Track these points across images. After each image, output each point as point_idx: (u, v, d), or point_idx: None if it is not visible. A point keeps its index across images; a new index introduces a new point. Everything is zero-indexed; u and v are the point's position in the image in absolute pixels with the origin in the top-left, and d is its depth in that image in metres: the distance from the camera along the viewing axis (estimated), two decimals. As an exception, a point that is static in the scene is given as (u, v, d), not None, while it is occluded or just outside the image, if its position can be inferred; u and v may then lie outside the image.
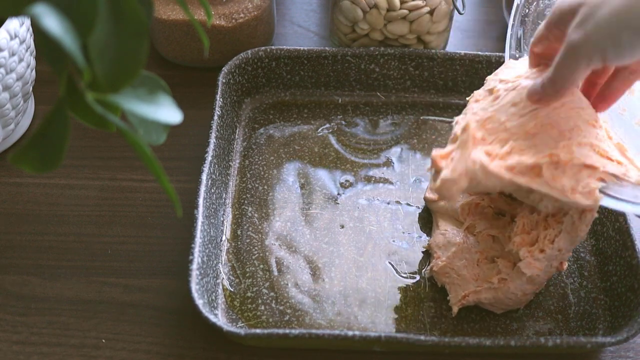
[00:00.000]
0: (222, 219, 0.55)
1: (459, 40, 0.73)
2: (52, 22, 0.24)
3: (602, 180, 0.43)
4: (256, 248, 0.54)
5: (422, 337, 0.45)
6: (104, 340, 0.49)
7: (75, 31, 0.25)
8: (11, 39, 0.53)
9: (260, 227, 0.55)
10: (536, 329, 0.50)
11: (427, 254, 0.54)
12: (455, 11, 0.65)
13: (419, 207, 0.57)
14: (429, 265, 0.52)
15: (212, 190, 0.54)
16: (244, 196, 0.57)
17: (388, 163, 0.60)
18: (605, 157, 0.44)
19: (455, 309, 0.49)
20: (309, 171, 0.60)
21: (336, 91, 0.66)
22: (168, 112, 0.30)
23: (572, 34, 0.40)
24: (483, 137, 0.44)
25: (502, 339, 0.45)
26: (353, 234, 0.55)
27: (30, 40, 0.57)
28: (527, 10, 0.52)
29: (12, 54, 0.54)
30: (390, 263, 0.53)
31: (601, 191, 0.43)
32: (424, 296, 0.51)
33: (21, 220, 0.56)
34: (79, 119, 0.29)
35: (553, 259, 0.47)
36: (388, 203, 0.57)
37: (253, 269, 0.53)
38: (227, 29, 0.65)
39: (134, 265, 0.54)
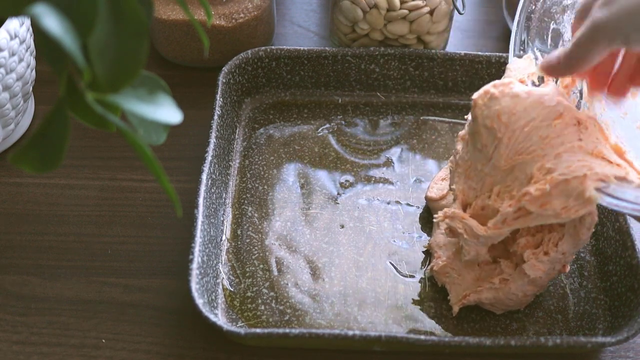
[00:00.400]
0: (222, 218, 0.55)
1: (459, 40, 0.73)
2: (52, 22, 0.24)
3: (602, 180, 0.43)
4: (256, 248, 0.54)
5: (422, 337, 0.45)
6: (104, 340, 0.49)
7: (75, 31, 0.25)
8: (11, 39, 0.53)
9: (260, 227, 0.55)
10: (536, 329, 0.50)
11: (427, 254, 0.54)
12: (455, 11, 0.65)
13: (419, 207, 0.57)
14: (429, 265, 0.52)
15: (212, 190, 0.54)
16: (244, 196, 0.57)
17: (388, 163, 0.60)
18: (598, 156, 0.44)
19: (455, 309, 0.49)
20: (309, 171, 0.60)
21: (336, 91, 0.66)
22: (168, 112, 0.30)
23: (596, 12, 0.40)
24: (468, 202, 0.48)
25: (502, 338, 0.45)
26: (353, 233, 0.55)
27: (30, 40, 0.57)
28: (533, 7, 0.51)
29: (12, 54, 0.54)
30: (390, 263, 0.53)
31: (601, 191, 0.43)
32: (424, 296, 0.51)
33: (21, 220, 0.56)
34: (79, 119, 0.29)
35: (556, 261, 0.47)
36: (388, 203, 0.57)
37: (253, 268, 0.53)
38: (227, 29, 0.65)
39: (134, 265, 0.54)
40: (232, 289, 0.51)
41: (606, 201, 0.42)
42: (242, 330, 0.45)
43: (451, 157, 0.57)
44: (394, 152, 0.61)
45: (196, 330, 0.50)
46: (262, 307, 0.50)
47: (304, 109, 0.65)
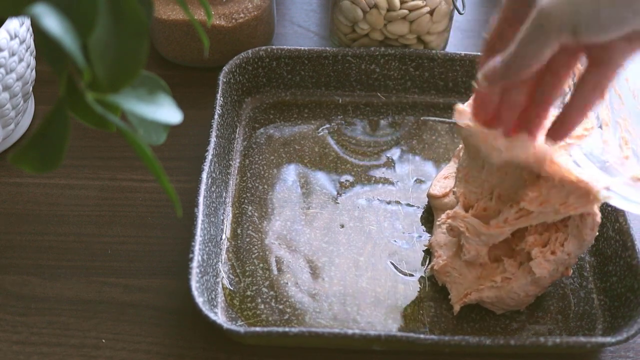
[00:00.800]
0: (222, 217, 0.55)
1: (459, 40, 0.73)
2: (52, 22, 0.24)
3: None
4: (256, 247, 0.54)
5: (422, 336, 0.45)
6: (104, 340, 0.49)
7: (75, 31, 0.25)
8: (11, 39, 0.53)
9: (260, 226, 0.55)
10: (536, 329, 0.50)
11: (427, 254, 0.54)
12: (455, 11, 0.65)
13: (419, 207, 0.57)
14: (429, 264, 0.53)
15: (213, 189, 0.54)
16: (244, 195, 0.57)
17: (388, 163, 0.60)
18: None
19: (456, 307, 0.49)
20: (309, 171, 0.60)
21: (337, 91, 0.66)
22: (168, 112, 0.30)
23: (541, 0, 0.36)
24: (470, 204, 0.49)
25: (502, 338, 0.45)
26: (353, 233, 0.55)
27: (30, 40, 0.57)
28: None
29: (12, 54, 0.54)
30: (390, 262, 0.53)
31: (611, 190, 0.43)
32: (424, 295, 0.51)
33: (21, 220, 0.56)
34: (79, 119, 0.29)
35: (561, 262, 0.47)
36: (388, 203, 0.57)
37: (253, 267, 0.53)
38: (227, 29, 0.65)
39: (134, 265, 0.54)
40: (231, 288, 0.51)
41: (615, 201, 0.43)
42: (241, 329, 0.45)
43: (453, 158, 0.58)
44: (394, 153, 0.61)
45: (196, 330, 0.50)
46: (262, 306, 0.50)
47: (304, 108, 0.65)
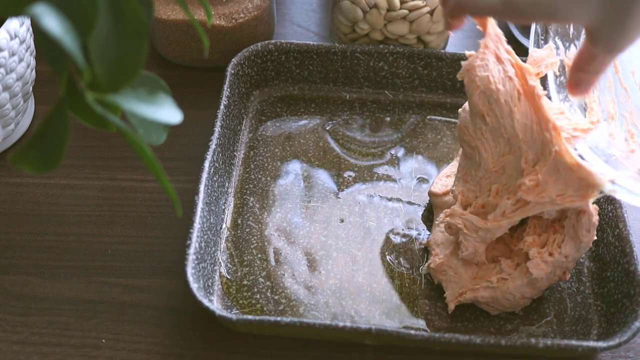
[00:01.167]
0: (223, 207, 0.55)
1: (459, 40, 0.73)
2: (52, 22, 0.24)
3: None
4: (255, 237, 0.54)
5: (413, 332, 0.45)
6: (104, 340, 0.49)
7: (75, 31, 0.25)
8: (11, 39, 0.53)
9: (260, 217, 0.56)
10: (530, 332, 0.50)
11: (425, 252, 0.54)
12: (455, 11, 0.65)
13: (420, 205, 0.57)
14: (426, 262, 0.53)
15: (215, 179, 0.54)
16: (247, 186, 0.58)
17: (392, 161, 0.61)
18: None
19: (451, 306, 0.49)
20: (312, 165, 0.60)
21: (344, 87, 0.66)
22: (168, 112, 0.30)
23: None
24: (469, 201, 0.49)
25: (493, 337, 0.45)
26: (352, 228, 0.55)
27: (30, 40, 0.57)
28: None
29: (12, 54, 0.54)
30: (387, 259, 0.53)
31: (613, 183, 0.43)
32: (419, 293, 0.51)
33: (21, 220, 0.56)
34: (79, 119, 0.29)
35: (559, 265, 0.47)
36: (389, 200, 0.57)
37: (251, 257, 0.53)
38: (227, 29, 0.65)
39: (134, 265, 0.54)
40: (229, 277, 0.52)
41: (621, 195, 0.43)
42: (234, 316, 0.45)
43: (456, 157, 0.58)
44: (399, 150, 0.61)
45: (196, 330, 0.50)
46: (258, 296, 0.51)
47: (311, 103, 0.65)
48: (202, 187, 0.52)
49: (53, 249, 0.54)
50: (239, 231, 0.55)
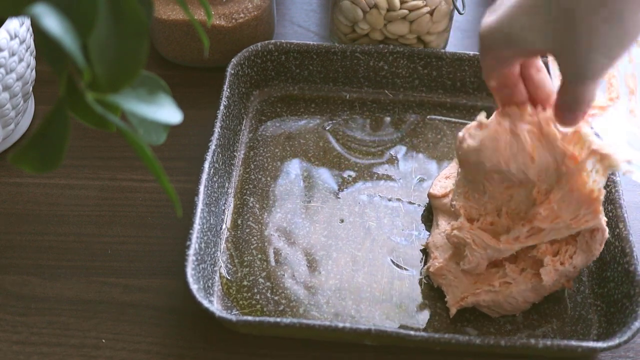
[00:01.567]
0: (223, 207, 0.55)
1: (459, 40, 0.73)
2: (52, 22, 0.24)
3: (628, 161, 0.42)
4: (255, 238, 0.54)
5: (412, 333, 0.45)
6: (104, 340, 0.49)
7: (75, 31, 0.25)
8: (11, 39, 0.53)
9: (260, 217, 0.56)
10: (530, 332, 0.50)
11: (425, 252, 0.54)
12: (455, 11, 0.65)
13: (420, 205, 0.57)
14: (425, 265, 0.52)
15: (215, 179, 0.54)
16: (247, 186, 0.58)
17: (392, 161, 0.61)
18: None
19: (453, 311, 0.49)
20: (312, 165, 0.60)
21: (344, 87, 0.66)
22: (168, 112, 0.30)
23: (482, 21, 0.40)
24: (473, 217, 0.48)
25: (492, 338, 0.45)
26: (352, 228, 0.55)
27: (30, 40, 0.57)
28: None
29: (12, 54, 0.54)
30: (387, 259, 0.53)
31: (629, 163, 0.42)
32: (419, 293, 0.51)
33: (21, 220, 0.56)
34: (79, 119, 0.29)
35: (565, 274, 0.47)
36: (389, 200, 0.57)
37: (251, 258, 0.53)
38: (227, 29, 0.65)
39: (134, 265, 0.54)
40: (229, 277, 0.52)
41: (637, 176, 0.42)
42: (234, 317, 0.45)
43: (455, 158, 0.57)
44: (399, 150, 0.61)
45: (196, 330, 0.50)
46: (258, 297, 0.51)
47: (311, 103, 0.65)
48: (202, 188, 0.52)
49: (53, 249, 0.54)
50: (239, 232, 0.55)
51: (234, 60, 0.62)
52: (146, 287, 0.52)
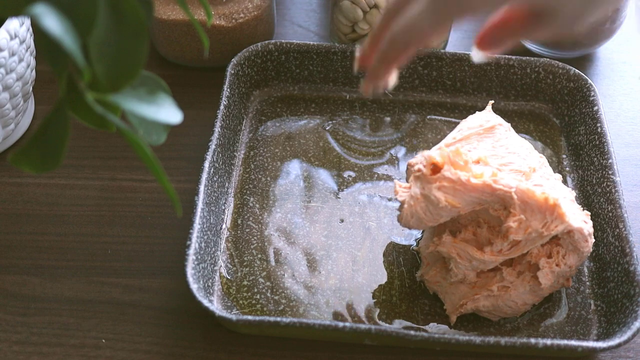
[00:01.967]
0: (223, 207, 0.55)
1: (459, 40, 0.73)
2: (52, 22, 0.24)
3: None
4: (255, 238, 0.54)
5: (412, 333, 0.45)
6: (104, 340, 0.49)
7: (75, 31, 0.25)
8: (11, 39, 0.53)
9: (260, 217, 0.56)
10: (530, 332, 0.50)
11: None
12: (455, 11, 0.65)
13: (419, 207, 0.57)
14: (419, 270, 0.52)
15: (215, 179, 0.54)
16: (247, 186, 0.58)
17: (392, 161, 0.61)
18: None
19: (453, 318, 0.49)
20: (312, 165, 0.60)
21: (344, 87, 0.66)
22: (168, 112, 0.30)
23: None
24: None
25: (492, 338, 0.45)
26: (352, 228, 0.55)
27: (30, 40, 0.57)
28: None
29: (12, 54, 0.54)
30: (387, 259, 0.53)
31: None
32: (419, 293, 0.51)
33: (21, 220, 0.56)
34: (79, 119, 0.29)
35: (562, 275, 0.48)
36: (389, 200, 0.57)
37: (251, 258, 0.53)
38: (227, 29, 0.65)
39: (134, 265, 0.54)
40: (229, 277, 0.52)
41: None
42: (234, 317, 0.45)
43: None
44: (398, 150, 0.61)
45: (196, 330, 0.50)
46: (258, 296, 0.51)
47: (311, 103, 0.65)
48: (202, 188, 0.52)
49: (53, 249, 0.54)
50: (239, 231, 0.55)
51: (234, 60, 0.62)
52: (146, 287, 0.52)
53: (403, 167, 0.60)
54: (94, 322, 0.50)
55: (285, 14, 0.76)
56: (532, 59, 0.63)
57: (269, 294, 0.51)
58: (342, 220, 0.56)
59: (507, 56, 0.63)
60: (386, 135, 0.63)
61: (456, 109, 0.65)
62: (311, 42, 0.64)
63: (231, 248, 0.54)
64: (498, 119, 0.53)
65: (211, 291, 0.50)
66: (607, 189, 0.54)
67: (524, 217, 0.45)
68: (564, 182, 0.59)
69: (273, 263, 0.53)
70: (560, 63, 0.63)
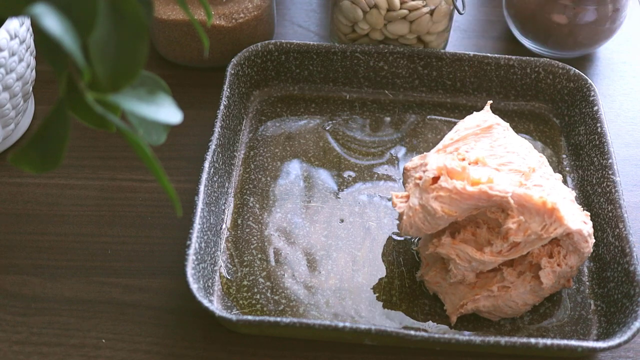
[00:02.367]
0: (223, 207, 0.55)
1: (459, 40, 0.73)
2: (52, 22, 0.24)
3: None
4: (255, 238, 0.54)
5: (413, 333, 0.45)
6: (104, 340, 0.49)
7: (75, 31, 0.25)
8: (11, 39, 0.53)
9: (260, 217, 0.56)
10: (530, 332, 0.50)
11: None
12: (455, 11, 0.65)
13: (419, 207, 0.57)
14: (419, 270, 0.52)
15: (215, 179, 0.54)
16: (247, 186, 0.58)
17: (392, 161, 0.61)
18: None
19: (453, 319, 0.49)
20: (312, 165, 0.60)
21: (344, 87, 0.66)
22: (168, 112, 0.30)
23: None
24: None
25: (492, 337, 0.45)
26: (352, 228, 0.55)
27: (30, 40, 0.57)
28: None
29: (12, 54, 0.54)
30: (387, 259, 0.53)
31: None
32: (419, 293, 0.51)
33: (21, 220, 0.56)
34: (79, 119, 0.29)
35: (563, 275, 0.48)
36: (389, 200, 0.57)
37: (251, 258, 0.53)
38: (227, 29, 0.65)
39: (134, 265, 0.54)
40: (228, 277, 0.52)
41: None
42: (234, 317, 0.45)
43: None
44: (399, 150, 0.61)
45: (196, 330, 0.50)
46: (258, 296, 0.51)
47: (311, 103, 0.65)
48: (202, 188, 0.52)
49: (53, 249, 0.54)
50: (239, 231, 0.55)
51: (234, 60, 0.62)
52: (146, 287, 0.52)
53: (402, 167, 0.60)
54: (94, 322, 0.50)
55: (285, 14, 0.76)
56: (532, 59, 0.63)
57: (269, 294, 0.51)
58: (342, 220, 0.56)
59: (507, 56, 0.63)
60: (386, 135, 0.63)
61: (456, 109, 0.65)
62: (311, 42, 0.64)
63: (231, 248, 0.54)
64: (496, 119, 0.53)
65: (211, 291, 0.50)
66: (607, 189, 0.54)
67: (523, 219, 0.45)
68: (564, 182, 0.59)
69: (273, 263, 0.53)
70: (560, 63, 0.63)
